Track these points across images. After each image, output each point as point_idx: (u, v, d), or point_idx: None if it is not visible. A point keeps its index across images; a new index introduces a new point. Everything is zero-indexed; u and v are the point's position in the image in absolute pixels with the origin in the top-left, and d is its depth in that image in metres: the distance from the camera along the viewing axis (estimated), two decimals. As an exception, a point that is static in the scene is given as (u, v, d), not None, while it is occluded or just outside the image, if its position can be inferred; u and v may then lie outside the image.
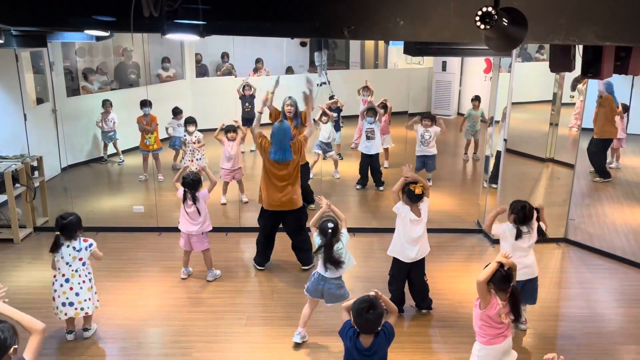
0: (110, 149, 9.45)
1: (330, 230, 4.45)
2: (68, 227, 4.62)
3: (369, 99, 9.00)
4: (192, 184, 5.60)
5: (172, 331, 4.96)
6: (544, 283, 5.75)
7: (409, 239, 4.95)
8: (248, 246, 6.68)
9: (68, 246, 4.65)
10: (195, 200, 5.61)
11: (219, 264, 6.06)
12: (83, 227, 4.76)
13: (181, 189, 5.67)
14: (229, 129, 7.57)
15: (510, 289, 3.82)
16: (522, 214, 4.70)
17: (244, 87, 9.60)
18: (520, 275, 4.75)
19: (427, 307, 5.23)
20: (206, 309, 5.27)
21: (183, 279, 5.83)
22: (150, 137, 8.52)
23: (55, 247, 4.66)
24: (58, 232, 4.65)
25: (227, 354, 4.63)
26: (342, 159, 9.35)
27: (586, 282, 5.94)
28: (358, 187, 8.46)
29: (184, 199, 5.65)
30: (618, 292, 5.78)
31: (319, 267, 4.65)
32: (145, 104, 8.44)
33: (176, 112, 8.87)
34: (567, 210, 6.82)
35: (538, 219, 4.80)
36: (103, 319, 5.03)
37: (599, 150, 8.40)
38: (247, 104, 9.58)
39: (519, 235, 4.71)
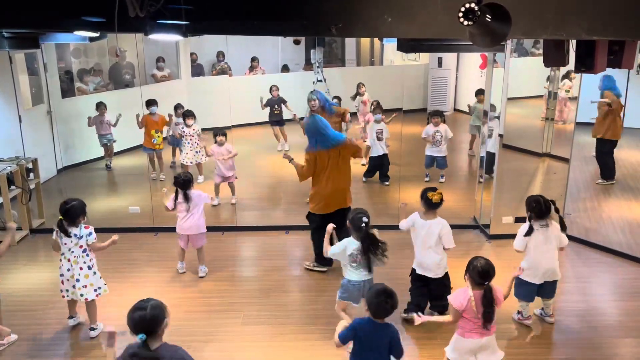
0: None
1: (363, 225, 4.39)
2: (70, 213, 4.63)
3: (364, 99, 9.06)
4: (183, 183, 5.62)
5: (169, 331, 4.93)
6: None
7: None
8: (244, 245, 6.69)
9: (70, 233, 4.67)
10: (187, 199, 5.61)
11: (215, 263, 6.06)
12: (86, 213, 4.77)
13: (170, 202, 5.68)
14: (217, 132, 7.55)
15: (485, 288, 3.78)
16: (538, 208, 4.67)
17: (271, 88, 9.60)
18: (541, 278, 4.78)
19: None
20: (203, 308, 5.27)
21: (182, 273, 5.86)
22: (158, 137, 8.45)
23: (62, 230, 4.65)
24: (61, 217, 4.65)
25: (224, 353, 4.63)
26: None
27: (582, 276, 5.94)
28: (364, 179, 8.63)
29: (176, 198, 5.67)
30: (614, 285, 5.78)
31: (358, 273, 4.53)
32: (152, 102, 8.35)
33: (177, 107, 8.78)
34: (563, 204, 6.82)
35: (557, 211, 4.77)
36: (100, 319, 5.03)
37: (607, 152, 8.42)
38: (275, 107, 9.61)
39: (529, 233, 4.70)
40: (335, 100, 9.10)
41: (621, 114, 8.37)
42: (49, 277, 5.81)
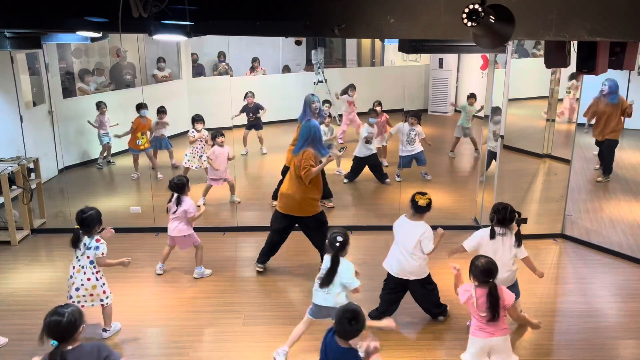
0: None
1: (338, 244, 4.22)
2: (87, 222, 4.62)
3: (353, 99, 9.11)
4: (176, 186, 5.63)
5: (170, 331, 4.97)
6: (541, 279, 5.76)
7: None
8: (245, 245, 6.68)
9: (79, 243, 4.66)
10: (179, 202, 5.63)
11: (216, 263, 6.06)
12: (102, 223, 4.75)
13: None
14: (217, 134, 7.55)
15: (490, 285, 3.80)
16: (502, 214, 4.60)
17: (246, 94, 9.61)
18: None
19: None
20: (204, 309, 5.27)
21: (159, 274, 5.87)
22: (142, 138, 8.56)
23: (75, 242, 4.64)
24: (78, 226, 4.63)
25: (225, 354, 4.63)
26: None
27: (583, 278, 5.94)
28: (346, 180, 8.58)
29: (169, 201, 5.69)
30: (615, 286, 5.78)
31: (321, 293, 4.34)
32: (143, 106, 8.44)
33: (160, 111, 8.81)
34: (564, 206, 6.82)
35: (520, 222, 4.70)
36: (100, 319, 5.03)
37: (612, 149, 8.45)
38: (250, 114, 9.59)
39: (492, 236, 4.61)
40: (327, 106, 9.11)
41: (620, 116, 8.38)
42: (50, 277, 5.81)
